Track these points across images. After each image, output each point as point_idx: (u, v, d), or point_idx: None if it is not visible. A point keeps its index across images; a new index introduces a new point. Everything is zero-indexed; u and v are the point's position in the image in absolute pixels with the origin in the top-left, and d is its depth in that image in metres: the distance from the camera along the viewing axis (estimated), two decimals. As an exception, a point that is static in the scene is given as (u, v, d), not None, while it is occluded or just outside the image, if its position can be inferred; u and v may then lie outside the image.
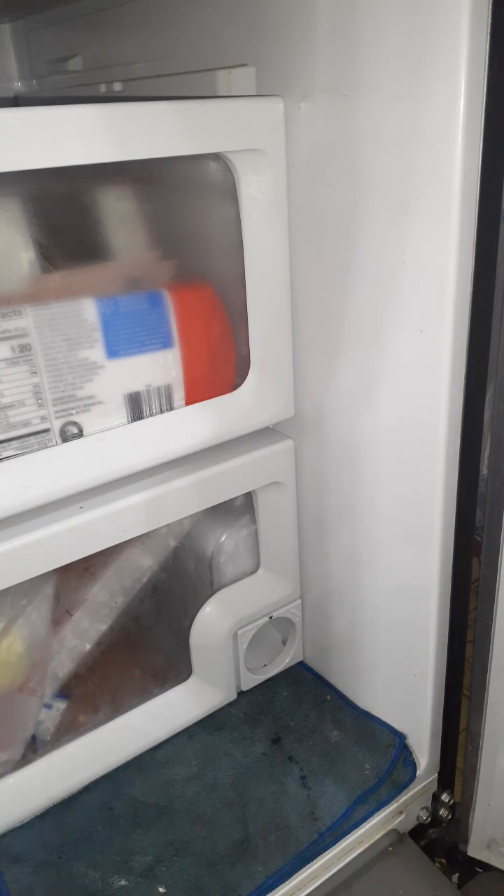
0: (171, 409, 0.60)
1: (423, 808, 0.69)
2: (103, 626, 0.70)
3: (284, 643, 0.79)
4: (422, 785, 0.68)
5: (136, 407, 0.59)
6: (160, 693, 0.72)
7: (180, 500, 0.62)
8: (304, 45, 0.53)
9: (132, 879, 0.60)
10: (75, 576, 0.68)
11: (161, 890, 0.59)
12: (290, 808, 0.65)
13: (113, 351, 0.56)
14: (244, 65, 0.58)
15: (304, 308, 0.62)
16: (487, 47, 0.43)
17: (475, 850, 0.67)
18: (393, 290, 0.53)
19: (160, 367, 0.59)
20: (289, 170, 0.57)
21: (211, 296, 0.61)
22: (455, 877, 0.68)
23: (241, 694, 0.76)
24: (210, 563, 0.73)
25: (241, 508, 0.72)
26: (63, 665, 0.69)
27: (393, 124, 0.48)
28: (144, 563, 0.70)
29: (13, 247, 0.53)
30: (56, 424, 0.55)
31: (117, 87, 0.75)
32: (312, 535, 0.72)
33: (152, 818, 0.65)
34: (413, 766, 0.67)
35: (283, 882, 0.59)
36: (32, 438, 0.55)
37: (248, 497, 0.71)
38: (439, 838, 0.70)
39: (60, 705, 0.70)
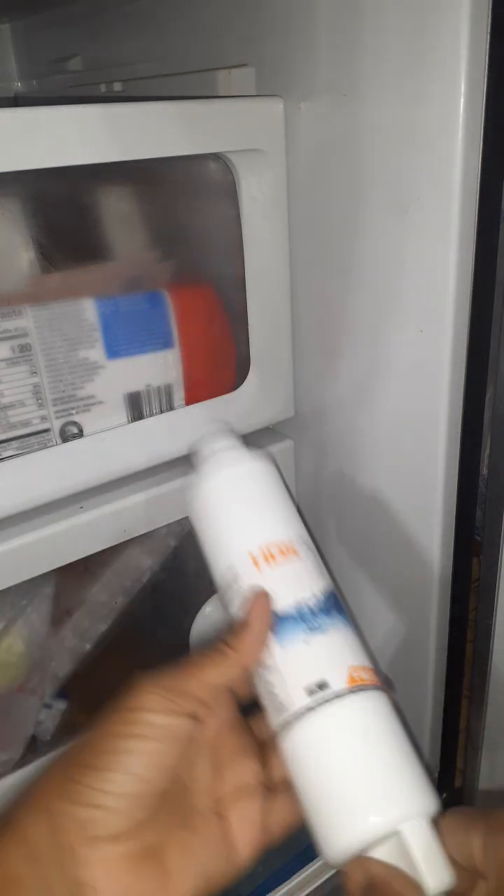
0: (172, 409, 0.60)
1: (423, 808, 0.69)
2: (103, 626, 0.70)
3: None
4: (422, 785, 0.68)
5: (136, 407, 0.59)
6: (160, 693, 0.72)
7: (180, 500, 0.62)
8: (304, 45, 0.53)
9: (132, 879, 0.60)
10: (75, 576, 0.68)
11: (161, 890, 0.59)
12: (290, 808, 0.65)
13: (113, 351, 0.56)
14: (244, 65, 0.58)
15: (304, 308, 0.62)
16: (487, 47, 0.43)
17: (475, 850, 0.67)
18: (393, 289, 0.53)
19: (160, 367, 0.59)
20: (289, 170, 0.57)
21: (211, 296, 0.61)
22: (455, 877, 0.68)
23: (241, 694, 0.76)
24: (210, 563, 0.73)
25: (241, 508, 0.72)
26: (63, 665, 0.69)
27: (393, 124, 0.48)
28: (144, 563, 0.70)
29: (13, 247, 0.53)
30: (56, 424, 0.55)
31: (117, 87, 0.75)
32: (312, 535, 0.72)
33: (152, 818, 0.65)
34: (413, 766, 0.67)
35: (284, 882, 0.59)
36: (32, 438, 0.55)
37: (248, 497, 0.71)
38: (439, 838, 0.70)
39: (60, 705, 0.70)
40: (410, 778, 0.33)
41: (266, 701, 0.37)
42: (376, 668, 0.37)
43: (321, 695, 0.34)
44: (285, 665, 0.35)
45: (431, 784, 0.33)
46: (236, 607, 0.38)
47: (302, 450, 0.68)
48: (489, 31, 0.43)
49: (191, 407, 0.61)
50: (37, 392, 0.54)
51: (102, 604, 0.69)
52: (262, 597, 0.37)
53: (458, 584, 0.60)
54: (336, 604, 0.38)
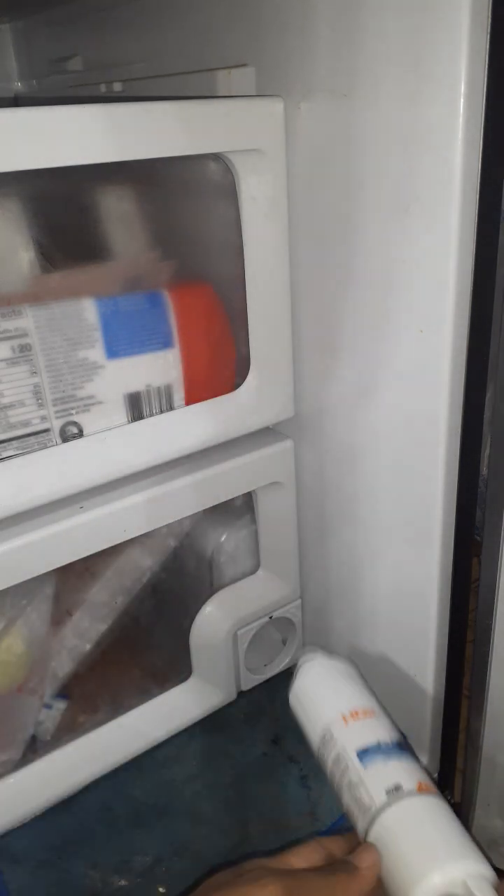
0: (171, 409, 0.60)
1: (423, 808, 0.69)
2: (103, 626, 0.70)
3: (284, 643, 0.79)
4: (422, 785, 0.68)
5: (136, 407, 0.59)
6: (160, 693, 0.72)
7: (180, 500, 0.62)
8: (304, 45, 0.53)
9: (132, 879, 0.60)
10: (75, 576, 0.68)
11: (161, 890, 0.59)
12: (290, 808, 0.65)
13: (113, 351, 0.56)
14: (244, 65, 0.58)
15: (305, 308, 0.62)
16: (487, 47, 0.43)
17: (475, 850, 0.67)
18: (393, 290, 0.53)
19: (160, 367, 0.59)
20: (289, 170, 0.57)
21: (211, 296, 0.61)
22: (455, 877, 0.68)
23: (241, 694, 0.76)
24: (210, 563, 0.73)
25: (241, 508, 0.72)
26: (63, 665, 0.69)
27: (393, 124, 0.48)
28: (144, 563, 0.70)
29: (13, 247, 0.53)
30: (56, 424, 0.55)
31: (117, 87, 0.75)
32: (312, 535, 0.72)
33: (152, 818, 0.65)
34: (413, 766, 0.67)
35: (283, 882, 0.59)
36: (32, 438, 0.55)
37: (248, 497, 0.71)
38: (439, 838, 0.70)
39: (60, 705, 0.70)
40: (467, 849, 0.42)
41: (354, 811, 0.47)
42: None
43: (397, 794, 0.45)
44: (369, 778, 0.47)
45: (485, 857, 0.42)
46: (331, 760, 0.51)
47: (302, 450, 0.68)
48: (489, 31, 0.43)
49: (191, 407, 0.61)
50: (37, 392, 0.54)
51: (102, 604, 0.69)
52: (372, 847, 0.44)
53: (458, 584, 0.60)
54: (405, 747, 0.50)
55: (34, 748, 0.67)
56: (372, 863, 0.42)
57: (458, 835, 0.43)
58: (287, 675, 0.78)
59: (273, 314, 0.61)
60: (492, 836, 0.65)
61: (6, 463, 0.53)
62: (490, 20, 0.42)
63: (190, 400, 0.61)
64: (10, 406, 0.53)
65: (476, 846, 0.43)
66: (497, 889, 0.40)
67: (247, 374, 0.63)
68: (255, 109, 0.54)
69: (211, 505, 0.65)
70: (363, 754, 0.49)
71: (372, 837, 0.44)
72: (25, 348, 0.52)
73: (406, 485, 0.58)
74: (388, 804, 0.45)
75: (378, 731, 0.51)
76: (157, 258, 0.59)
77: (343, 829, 0.61)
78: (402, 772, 0.47)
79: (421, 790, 0.46)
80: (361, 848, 0.44)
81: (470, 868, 0.41)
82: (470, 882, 0.39)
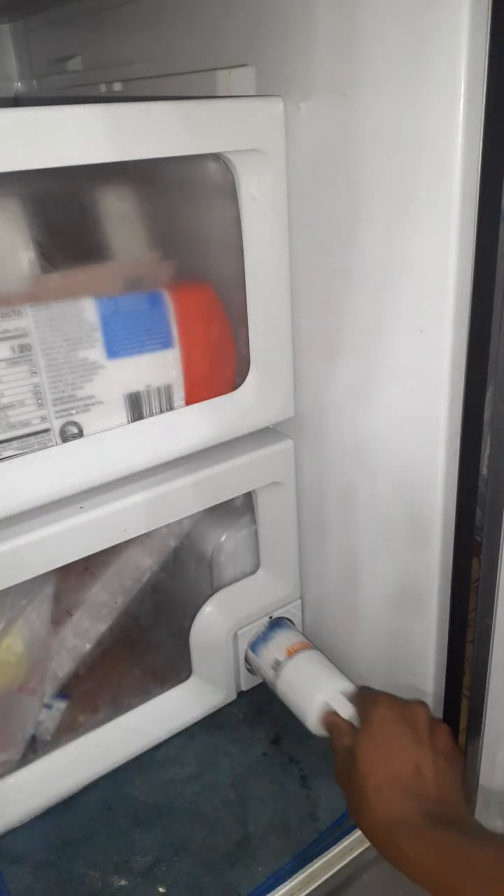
0: (171, 409, 0.60)
1: (423, 808, 0.69)
2: (103, 626, 0.70)
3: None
4: (422, 785, 0.68)
5: (137, 407, 0.59)
6: (160, 693, 0.72)
7: (180, 500, 0.62)
8: (303, 45, 0.53)
9: (132, 879, 0.60)
10: (75, 576, 0.68)
11: (161, 890, 0.59)
12: (290, 808, 0.65)
13: (113, 351, 0.56)
14: (244, 65, 0.58)
15: (304, 308, 0.62)
16: (487, 47, 0.43)
17: (475, 850, 0.66)
18: (393, 289, 0.53)
19: (160, 367, 0.59)
20: (289, 170, 0.57)
21: (211, 296, 0.61)
22: (455, 877, 0.68)
23: (241, 694, 0.76)
24: (210, 563, 0.73)
25: (241, 508, 0.72)
26: (63, 665, 0.69)
27: (393, 124, 0.48)
28: (144, 563, 0.70)
29: (13, 247, 0.53)
30: (56, 424, 0.55)
31: (117, 87, 0.75)
32: (312, 535, 0.72)
33: (152, 818, 0.65)
34: (413, 766, 0.67)
35: (283, 882, 0.59)
36: (32, 438, 0.55)
37: (248, 497, 0.71)
38: (439, 838, 0.70)
39: (60, 705, 0.70)
40: (324, 679, 0.64)
41: (269, 685, 0.69)
42: (306, 638, 0.71)
43: (278, 666, 0.68)
44: (262, 662, 0.70)
45: (342, 673, 0.65)
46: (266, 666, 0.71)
47: (302, 450, 0.68)
48: (489, 30, 0.43)
49: (191, 407, 0.61)
50: (37, 392, 0.54)
51: (102, 604, 0.69)
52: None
53: (458, 584, 0.60)
54: (276, 624, 0.73)
55: (34, 748, 0.67)
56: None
57: (318, 672, 0.65)
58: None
59: (273, 314, 0.61)
60: (492, 836, 0.65)
61: (6, 463, 0.53)
62: (490, 20, 0.42)
63: (190, 400, 0.61)
64: (10, 406, 0.53)
65: (332, 670, 0.65)
66: (352, 697, 0.60)
67: (247, 374, 0.63)
68: (255, 109, 0.54)
69: (211, 505, 0.65)
70: (253, 646, 0.71)
71: (279, 696, 0.67)
72: (25, 348, 0.52)
73: (406, 485, 0.58)
74: (276, 676, 0.67)
75: (258, 626, 0.72)
76: (158, 258, 0.59)
77: (342, 827, 0.62)
78: (276, 648, 0.69)
79: (289, 654, 0.67)
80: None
81: (329, 692, 0.61)
82: (330, 701, 0.60)
